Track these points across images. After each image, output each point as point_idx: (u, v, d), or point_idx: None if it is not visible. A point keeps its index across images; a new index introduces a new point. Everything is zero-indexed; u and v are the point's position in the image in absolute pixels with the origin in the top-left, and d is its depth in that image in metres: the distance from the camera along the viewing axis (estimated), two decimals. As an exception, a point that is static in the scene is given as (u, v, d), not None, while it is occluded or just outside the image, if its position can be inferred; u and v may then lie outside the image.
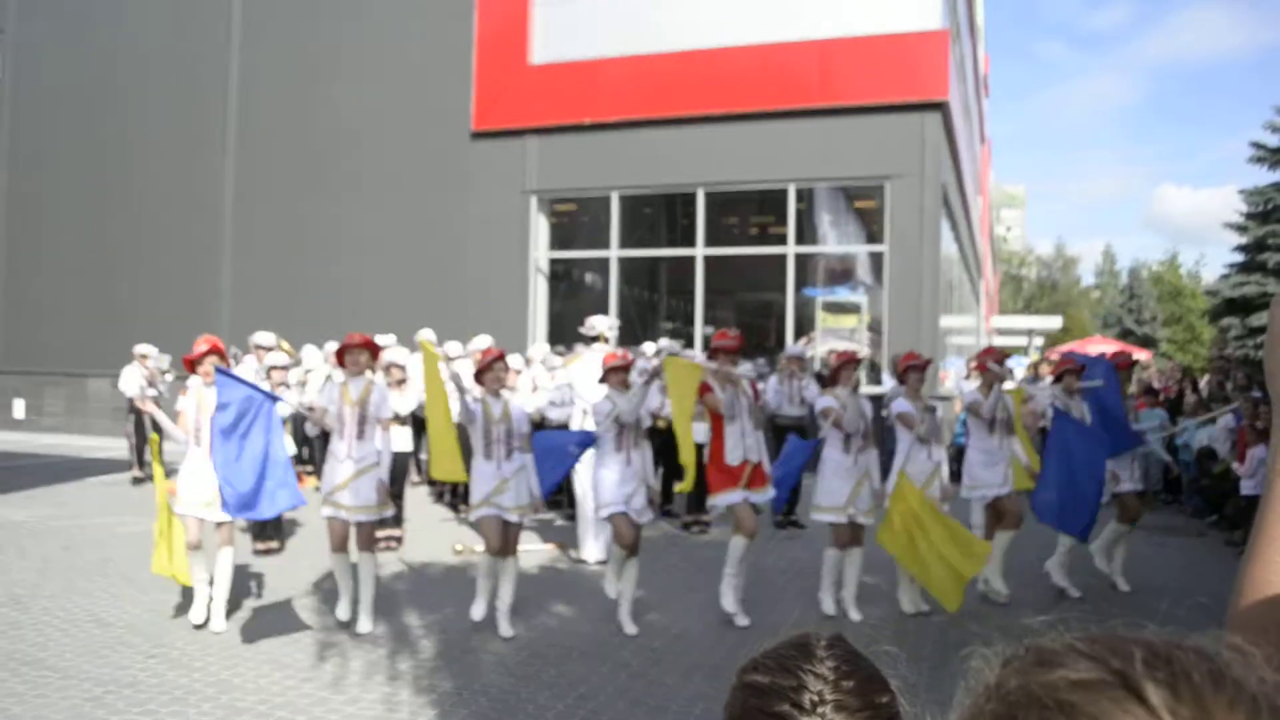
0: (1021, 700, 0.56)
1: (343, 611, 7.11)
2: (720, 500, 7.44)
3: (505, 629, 6.87)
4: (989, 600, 7.98)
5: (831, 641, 1.18)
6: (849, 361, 7.93)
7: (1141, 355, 29.76)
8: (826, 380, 8.94)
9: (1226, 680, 0.53)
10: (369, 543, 7.18)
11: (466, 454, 7.29)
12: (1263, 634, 0.71)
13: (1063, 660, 0.57)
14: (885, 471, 7.95)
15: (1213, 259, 75.48)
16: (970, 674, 0.61)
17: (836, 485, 7.68)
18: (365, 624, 6.94)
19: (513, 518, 7.03)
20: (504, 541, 6.99)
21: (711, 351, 7.76)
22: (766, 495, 7.61)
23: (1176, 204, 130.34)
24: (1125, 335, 46.85)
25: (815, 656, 1.14)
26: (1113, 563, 8.68)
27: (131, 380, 13.47)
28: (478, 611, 7.03)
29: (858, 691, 1.11)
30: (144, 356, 13.45)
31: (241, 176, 19.84)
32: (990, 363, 8.31)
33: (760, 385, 12.10)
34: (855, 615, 7.44)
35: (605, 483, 7.30)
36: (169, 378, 13.90)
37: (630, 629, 7.01)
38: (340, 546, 7.07)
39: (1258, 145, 28.62)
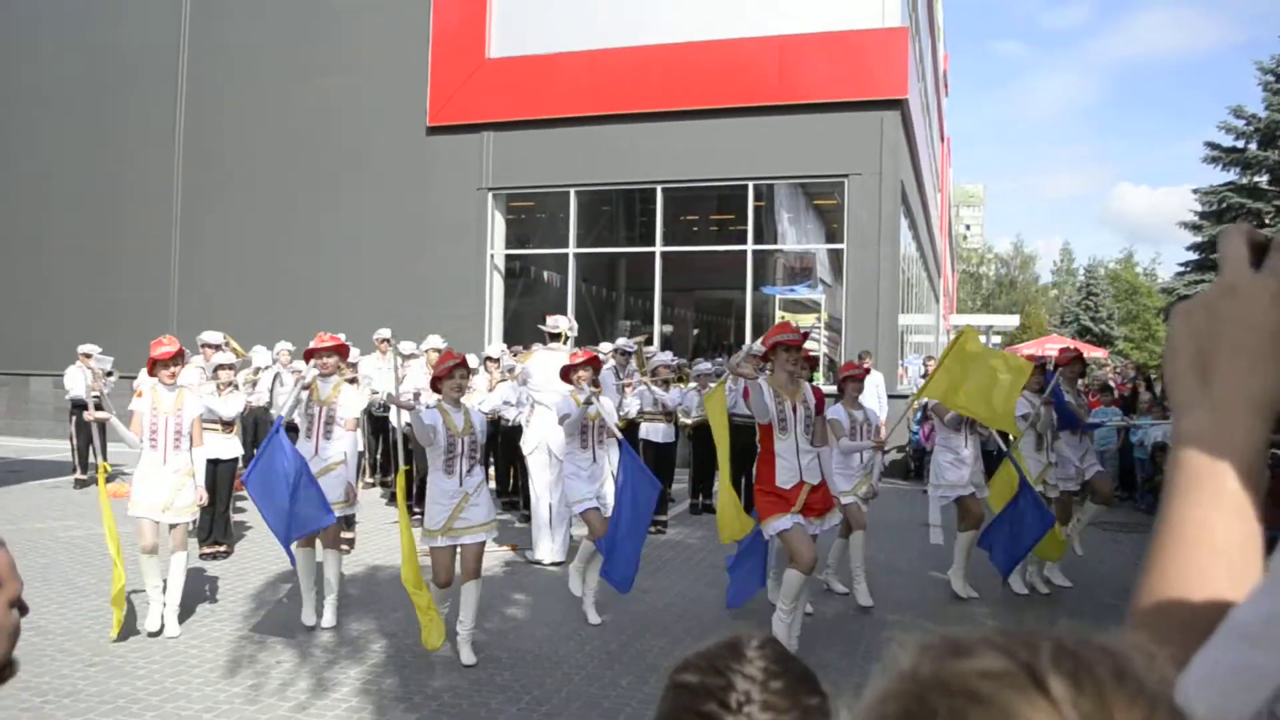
0: (932, 686, 0.58)
1: (308, 616, 7.04)
2: (771, 527, 6.39)
3: (467, 656, 6.20)
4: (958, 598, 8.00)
5: (763, 643, 1.19)
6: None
7: (1098, 353, 30.10)
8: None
9: (1129, 676, 0.56)
10: (335, 540, 7.24)
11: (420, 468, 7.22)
12: (1163, 636, 0.74)
13: (974, 651, 0.59)
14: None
15: (1168, 257, 76.81)
16: (886, 658, 0.63)
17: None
18: (330, 618, 7.01)
19: (473, 538, 6.36)
20: (452, 574, 6.35)
21: (770, 347, 6.72)
22: (829, 523, 6.69)
23: (1133, 203, 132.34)
24: (1082, 333, 47.39)
25: (745, 657, 1.15)
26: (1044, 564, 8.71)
27: (76, 380, 13.17)
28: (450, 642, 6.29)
29: (786, 692, 1.12)
30: (88, 356, 13.15)
31: (191, 172, 19.50)
32: None
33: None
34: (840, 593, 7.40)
35: (573, 480, 7.52)
36: (111, 379, 13.59)
37: (595, 619, 7.19)
38: (306, 543, 7.11)
39: (1212, 145, 29.06)
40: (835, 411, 7.92)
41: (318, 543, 7.22)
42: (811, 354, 8.04)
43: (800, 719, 1.11)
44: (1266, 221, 27.28)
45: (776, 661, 1.16)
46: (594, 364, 7.57)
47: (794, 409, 6.46)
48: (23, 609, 1.20)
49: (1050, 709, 0.54)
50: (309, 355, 7.49)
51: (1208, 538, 0.79)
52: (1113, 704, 0.54)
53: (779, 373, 6.58)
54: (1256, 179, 28.70)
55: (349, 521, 9.60)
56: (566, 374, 7.58)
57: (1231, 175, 29.21)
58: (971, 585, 8.20)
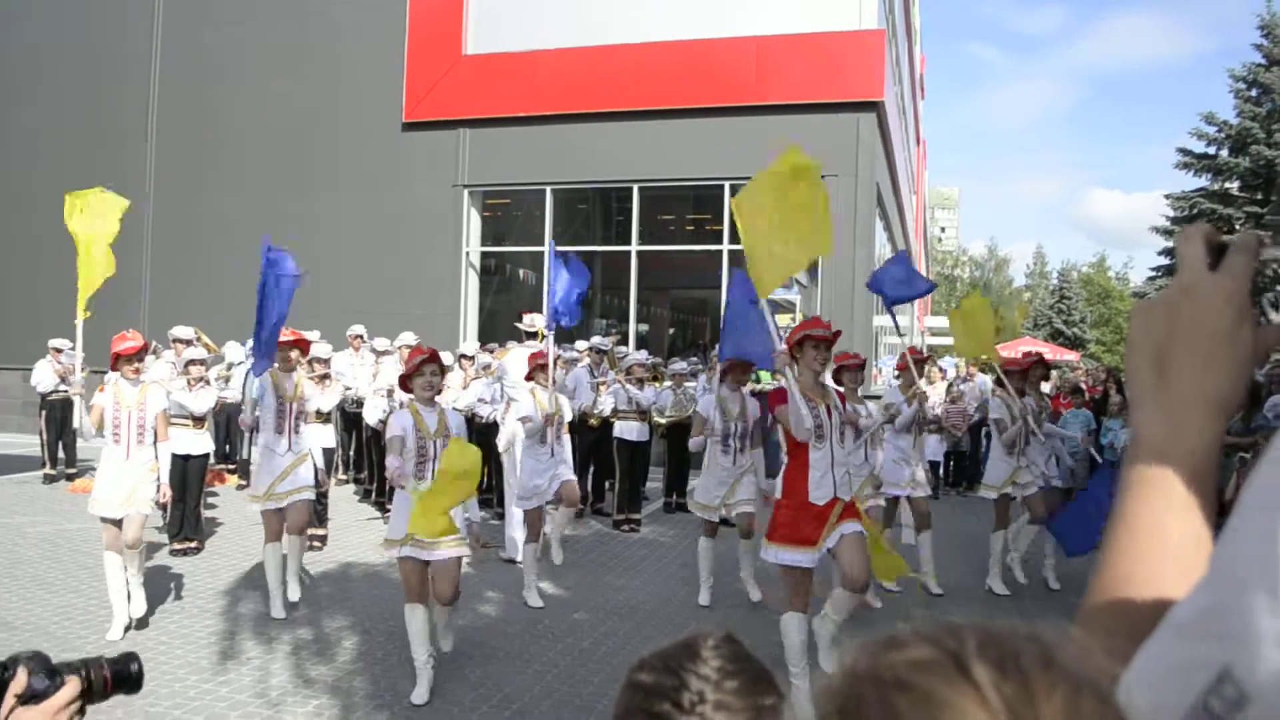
0: (865, 678, 0.60)
1: (276, 609, 7.09)
2: (783, 556, 5.63)
3: (445, 641, 6.11)
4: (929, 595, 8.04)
5: (720, 642, 1.20)
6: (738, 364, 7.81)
7: (1070, 356, 30.30)
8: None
9: (1055, 663, 0.57)
10: (302, 525, 7.48)
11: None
12: (1114, 634, 0.75)
13: (906, 643, 0.60)
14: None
15: (1140, 262, 77.26)
16: (839, 660, 0.65)
17: (713, 485, 7.87)
18: (295, 591, 7.36)
19: (445, 553, 5.66)
20: (426, 588, 5.74)
21: (796, 343, 5.81)
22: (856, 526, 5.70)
23: (1106, 207, 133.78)
24: (1055, 336, 47.72)
25: (700, 657, 1.16)
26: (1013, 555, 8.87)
27: (45, 375, 13.05)
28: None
29: (741, 691, 1.13)
30: (58, 350, 13.03)
31: (163, 166, 19.31)
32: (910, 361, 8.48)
33: (691, 383, 12.07)
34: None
35: (525, 472, 7.90)
36: (81, 375, 13.45)
37: (536, 602, 7.55)
38: (276, 537, 7.32)
39: (1184, 151, 29.36)
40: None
41: (285, 536, 7.34)
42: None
43: (755, 719, 1.12)
44: (1237, 227, 27.56)
45: (733, 661, 1.17)
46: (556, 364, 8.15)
47: (828, 413, 5.74)
48: None
49: (974, 694, 0.55)
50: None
51: (1158, 536, 0.79)
52: (1036, 688, 0.55)
53: (806, 373, 5.79)
54: (1228, 185, 29.01)
55: (321, 518, 9.58)
56: (530, 374, 8.06)
57: (1203, 181, 29.52)
58: (941, 584, 8.27)
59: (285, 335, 7.50)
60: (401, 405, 6.45)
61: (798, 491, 5.64)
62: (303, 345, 7.70)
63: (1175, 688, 0.65)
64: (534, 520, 7.85)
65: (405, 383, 6.14)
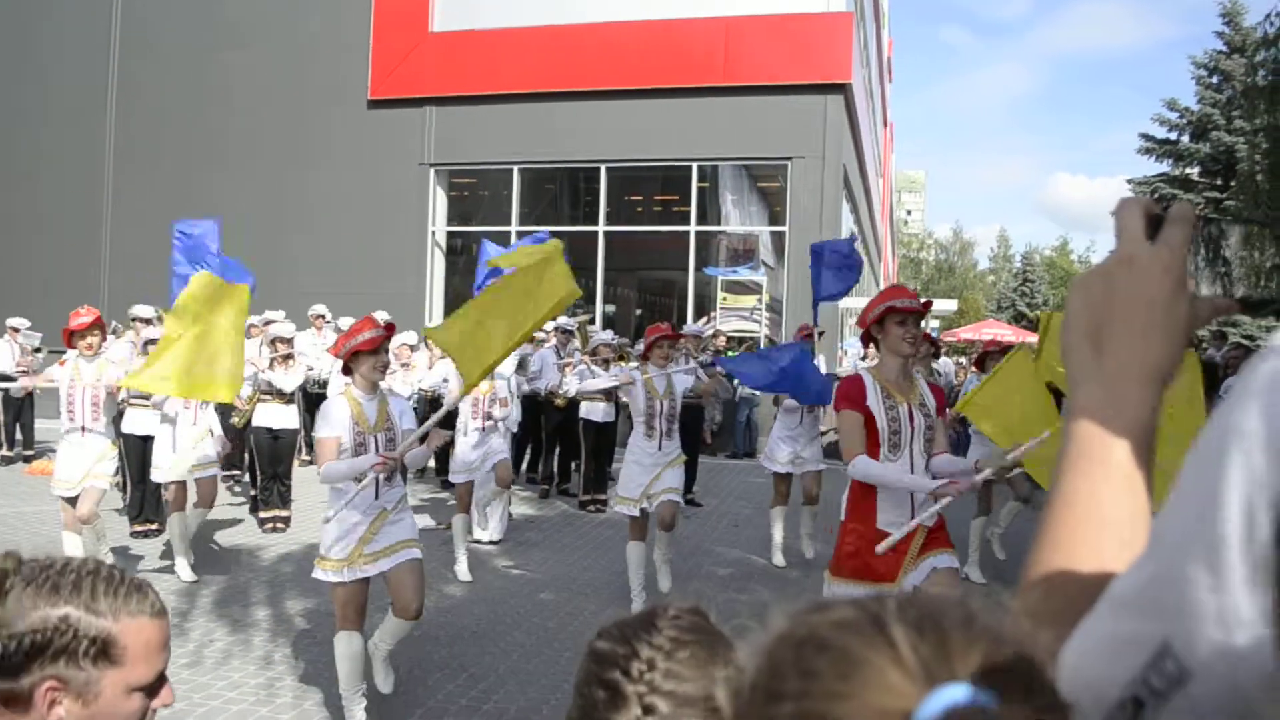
0: (789, 638, 0.61)
1: (185, 571, 7.40)
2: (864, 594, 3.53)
3: (384, 682, 5.16)
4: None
5: (681, 613, 1.19)
6: (663, 338, 7.33)
7: (1034, 338, 30.56)
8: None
9: (975, 624, 0.57)
10: (210, 499, 7.78)
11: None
12: (1051, 608, 0.75)
13: (832, 607, 0.61)
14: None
15: (1103, 246, 78.00)
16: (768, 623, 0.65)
17: (636, 472, 7.12)
18: (187, 572, 7.43)
19: (395, 559, 4.83)
20: (364, 614, 4.91)
21: (875, 318, 4.41)
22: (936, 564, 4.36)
23: (1070, 192, 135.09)
24: (1018, 319, 48.12)
25: (655, 627, 1.16)
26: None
27: (3, 354, 12.85)
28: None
29: (693, 662, 1.12)
30: (15, 330, 12.83)
31: (124, 143, 19.02)
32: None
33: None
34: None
35: (460, 447, 8.11)
36: (40, 355, 13.28)
37: (465, 575, 7.69)
38: (181, 506, 7.54)
39: (1146, 137, 29.62)
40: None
41: (189, 506, 7.65)
42: (669, 331, 7.45)
43: (707, 689, 1.09)
44: (1197, 212, 27.87)
45: (690, 631, 1.16)
46: None
47: (909, 415, 4.40)
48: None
49: (890, 651, 0.56)
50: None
51: (1096, 510, 0.78)
52: (952, 646, 0.55)
53: (889, 359, 4.45)
54: (1188, 170, 29.28)
55: (284, 500, 9.53)
56: None
57: (1165, 166, 29.78)
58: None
59: (83, 316, 7.10)
60: (339, 392, 5.20)
61: (865, 513, 4.37)
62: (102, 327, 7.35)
63: (1115, 662, 0.64)
64: (463, 494, 8.11)
65: (349, 362, 4.96)
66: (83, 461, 6.79)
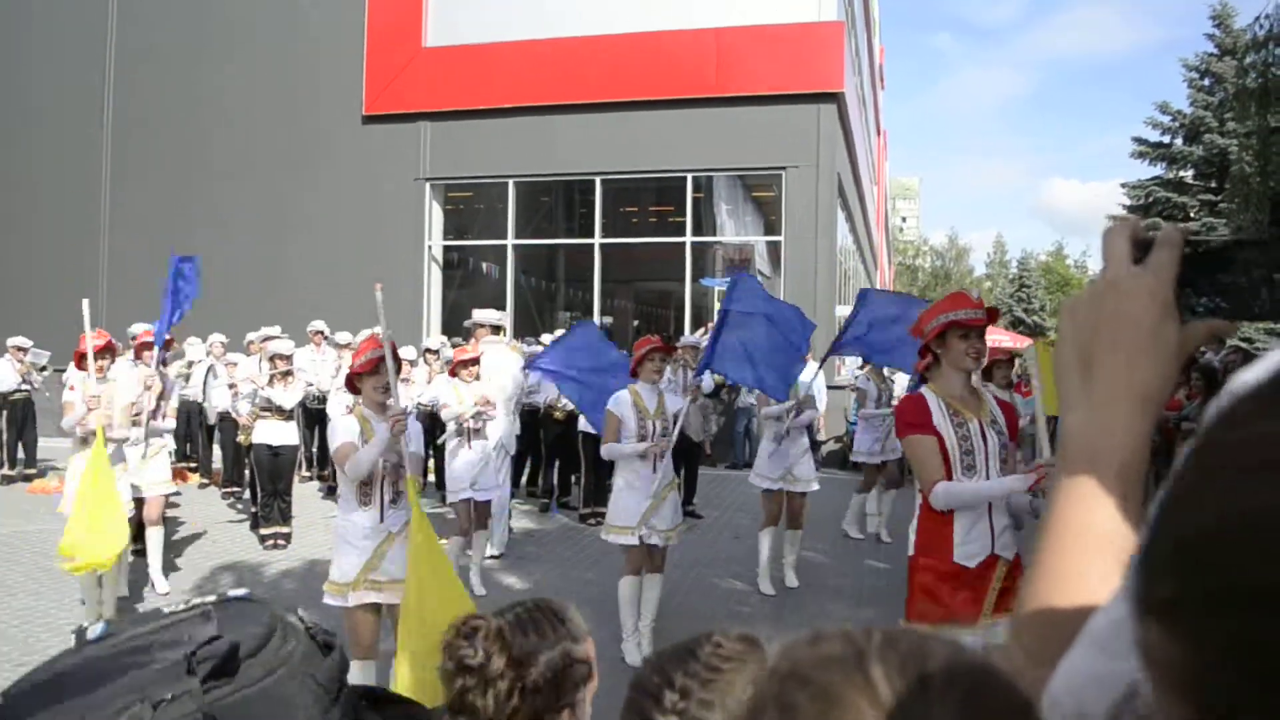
0: (775, 671, 0.61)
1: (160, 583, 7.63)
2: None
3: None
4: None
5: (724, 640, 1.21)
6: (654, 350, 6.49)
7: (1029, 344, 30.55)
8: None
9: (959, 664, 0.58)
10: (161, 517, 7.83)
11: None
12: (1042, 639, 0.75)
13: (822, 639, 0.62)
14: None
15: (1098, 250, 77.80)
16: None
17: (631, 501, 6.37)
18: (161, 583, 7.62)
19: (393, 597, 4.68)
20: (376, 639, 4.86)
21: (937, 331, 4.05)
22: None
23: (1064, 196, 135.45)
24: (1015, 324, 48.18)
25: (695, 656, 1.18)
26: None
27: (5, 373, 12.85)
28: None
29: (730, 691, 1.13)
30: (19, 349, 12.82)
31: (118, 159, 19.03)
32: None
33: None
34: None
35: (458, 465, 7.98)
36: (45, 374, 13.28)
37: (480, 590, 7.58)
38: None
39: (1140, 140, 29.72)
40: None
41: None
42: (661, 344, 6.51)
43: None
44: (1192, 215, 27.95)
45: (730, 660, 1.18)
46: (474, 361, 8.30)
47: (982, 433, 4.01)
48: None
49: (868, 690, 0.56)
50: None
51: (1085, 539, 0.78)
52: (932, 687, 0.56)
53: (951, 374, 4.06)
54: (1182, 174, 29.37)
55: (285, 516, 9.54)
56: (453, 369, 8.25)
57: (1158, 170, 29.88)
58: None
59: (96, 339, 7.11)
60: (348, 409, 5.37)
61: (940, 546, 3.91)
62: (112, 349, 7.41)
63: (1092, 697, 0.64)
64: (461, 514, 7.95)
65: (353, 382, 5.05)
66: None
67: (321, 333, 12.94)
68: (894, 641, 0.60)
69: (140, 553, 8.58)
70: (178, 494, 11.81)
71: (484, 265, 19.46)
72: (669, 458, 6.40)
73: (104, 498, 6.32)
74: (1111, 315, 0.81)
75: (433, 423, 9.65)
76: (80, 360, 7.02)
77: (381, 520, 4.78)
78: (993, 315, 4.13)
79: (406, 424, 4.77)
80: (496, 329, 9.64)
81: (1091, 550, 0.78)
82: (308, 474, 13.11)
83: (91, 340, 6.96)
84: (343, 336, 12.42)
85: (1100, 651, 0.64)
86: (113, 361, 7.23)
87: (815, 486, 8.38)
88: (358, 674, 4.70)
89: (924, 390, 4.12)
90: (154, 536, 7.66)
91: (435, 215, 18.00)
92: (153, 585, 7.61)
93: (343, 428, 4.87)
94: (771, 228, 17.24)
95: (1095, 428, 0.80)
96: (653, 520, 6.28)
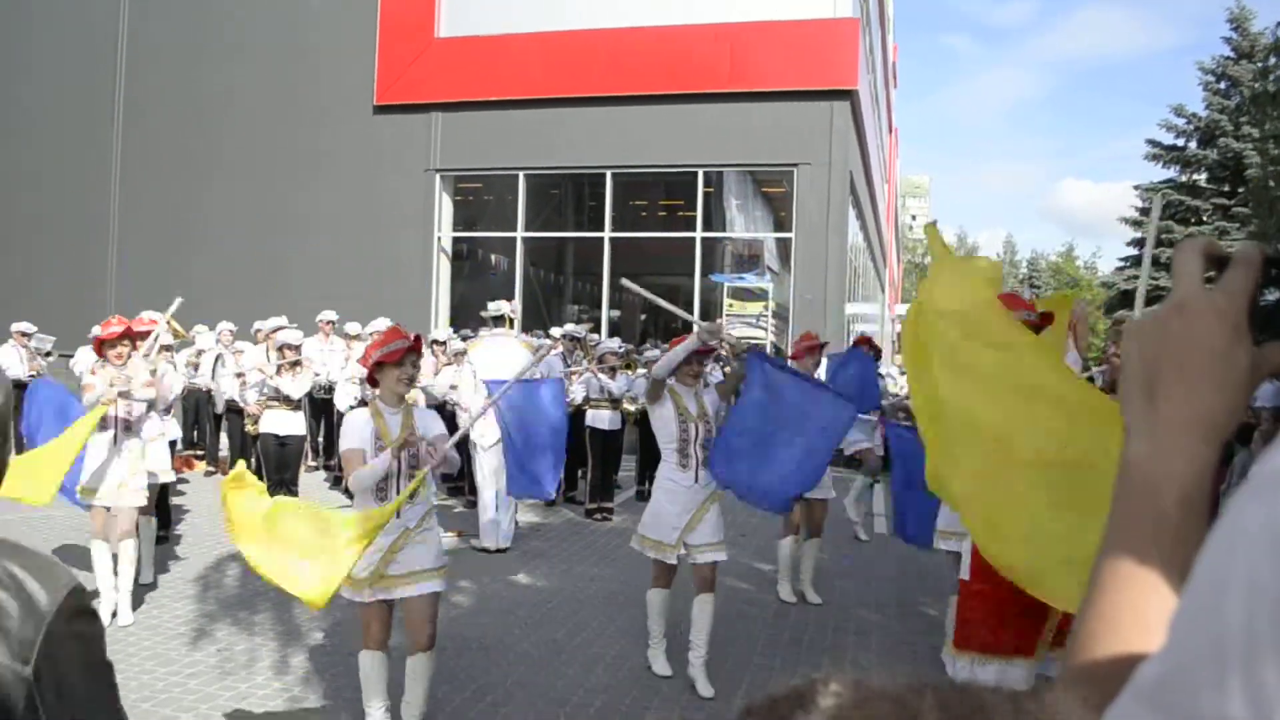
0: None
1: (124, 614, 6.63)
2: (990, 676, 3.77)
3: None
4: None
5: (843, 688, 1.12)
6: (696, 353, 5.91)
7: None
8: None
9: None
10: (134, 528, 6.81)
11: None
12: (1097, 688, 0.70)
13: (870, 698, 0.61)
14: None
15: (1109, 252, 78.11)
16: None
17: (670, 513, 5.79)
18: (125, 615, 6.57)
19: (416, 589, 4.67)
20: (388, 634, 4.77)
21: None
22: None
23: (1076, 197, 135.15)
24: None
25: (815, 705, 1.09)
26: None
27: (11, 359, 12.84)
28: None
29: None
30: (24, 335, 12.82)
31: (130, 152, 19.03)
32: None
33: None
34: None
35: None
36: (49, 359, 13.28)
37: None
38: (99, 534, 6.67)
39: (1153, 143, 29.62)
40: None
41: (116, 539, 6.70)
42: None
43: None
44: (1205, 219, 27.84)
45: (854, 709, 1.12)
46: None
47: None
48: None
49: None
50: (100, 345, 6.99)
51: (1141, 577, 0.74)
52: None
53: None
54: (1195, 177, 29.28)
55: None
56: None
57: (1171, 173, 29.79)
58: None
59: (114, 326, 7.01)
60: (363, 401, 5.35)
61: (995, 571, 3.24)
62: (132, 337, 7.04)
63: None
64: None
65: (374, 373, 4.77)
66: (115, 472, 6.72)
67: (331, 323, 12.92)
68: (948, 705, 0.56)
69: (164, 539, 8.56)
70: (185, 480, 11.84)
71: (493, 257, 19.44)
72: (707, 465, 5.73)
73: (66, 445, 6.27)
74: (1178, 338, 0.76)
75: (438, 412, 9.60)
76: (99, 347, 6.96)
77: (398, 516, 4.62)
78: (1046, 319, 3.90)
79: (439, 455, 4.67)
80: (499, 320, 9.56)
81: (1149, 591, 0.73)
82: (314, 464, 13.11)
83: (155, 327, 7.12)
84: (352, 327, 12.39)
85: (1142, 705, 0.60)
86: (133, 348, 7.15)
87: (833, 494, 8.12)
88: (368, 664, 4.71)
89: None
90: (125, 551, 6.58)
91: (445, 207, 17.97)
92: (114, 615, 6.53)
93: (353, 429, 4.71)
94: (782, 224, 17.18)
95: (1156, 456, 0.76)
96: (689, 538, 5.74)
